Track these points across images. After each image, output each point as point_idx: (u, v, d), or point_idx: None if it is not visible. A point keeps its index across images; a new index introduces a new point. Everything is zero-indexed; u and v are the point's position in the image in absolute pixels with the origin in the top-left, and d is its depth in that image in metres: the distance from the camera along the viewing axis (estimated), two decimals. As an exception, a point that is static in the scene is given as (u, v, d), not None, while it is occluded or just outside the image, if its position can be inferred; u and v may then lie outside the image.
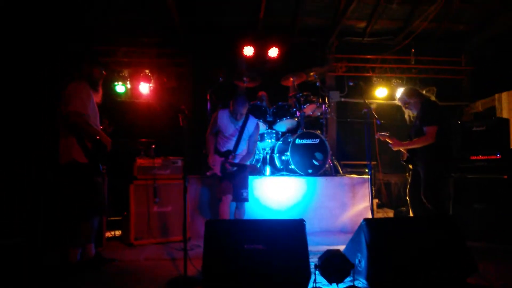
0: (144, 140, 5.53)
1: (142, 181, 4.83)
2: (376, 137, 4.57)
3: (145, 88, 7.25)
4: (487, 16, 7.57)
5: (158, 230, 4.80)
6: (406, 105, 4.44)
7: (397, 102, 4.58)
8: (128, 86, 7.34)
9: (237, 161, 4.61)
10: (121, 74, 7.32)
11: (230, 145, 4.63)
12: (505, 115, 7.27)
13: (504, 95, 7.44)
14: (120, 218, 5.13)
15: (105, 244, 4.64)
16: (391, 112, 7.00)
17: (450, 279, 3.02)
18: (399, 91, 4.57)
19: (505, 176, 4.82)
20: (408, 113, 4.52)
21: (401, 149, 4.43)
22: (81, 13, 6.77)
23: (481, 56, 8.25)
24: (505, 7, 7.13)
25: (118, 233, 5.27)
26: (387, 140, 4.45)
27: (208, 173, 4.60)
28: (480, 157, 5.07)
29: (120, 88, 7.21)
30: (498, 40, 7.83)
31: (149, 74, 7.41)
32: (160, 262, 3.95)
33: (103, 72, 3.76)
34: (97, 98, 3.69)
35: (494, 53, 7.85)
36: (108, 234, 5.15)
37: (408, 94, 4.41)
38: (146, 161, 4.92)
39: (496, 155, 4.94)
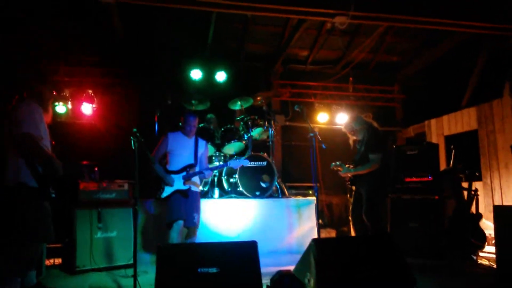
0: (87, 162, 5.31)
1: (85, 205, 4.65)
2: (331, 168, 4.81)
3: (87, 108, 7.01)
4: (417, 48, 8.27)
5: (102, 257, 4.63)
6: (352, 132, 4.74)
7: (342, 128, 4.87)
8: (69, 106, 7.07)
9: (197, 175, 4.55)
10: (62, 94, 7.04)
11: (187, 162, 4.54)
12: (434, 140, 7.91)
13: (433, 121, 8.13)
14: (59, 245, 4.86)
15: (45, 273, 4.35)
16: (331, 136, 7.34)
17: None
18: (343, 118, 4.87)
19: (436, 197, 5.24)
20: (352, 139, 4.82)
21: (348, 174, 4.70)
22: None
23: (412, 85, 8.93)
24: (431, 41, 7.85)
25: (57, 261, 4.97)
26: (339, 168, 4.71)
27: (162, 195, 4.43)
28: (414, 179, 5.47)
29: (60, 108, 6.92)
30: (427, 70, 8.55)
31: (92, 94, 7.19)
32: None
33: (53, 91, 3.63)
34: (47, 118, 3.54)
35: (424, 82, 8.58)
36: (47, 262, 4.84)
37: (354, 122, 4.72)
38: (91, 184, 4.75)
39: (428, 177, 5.36)
